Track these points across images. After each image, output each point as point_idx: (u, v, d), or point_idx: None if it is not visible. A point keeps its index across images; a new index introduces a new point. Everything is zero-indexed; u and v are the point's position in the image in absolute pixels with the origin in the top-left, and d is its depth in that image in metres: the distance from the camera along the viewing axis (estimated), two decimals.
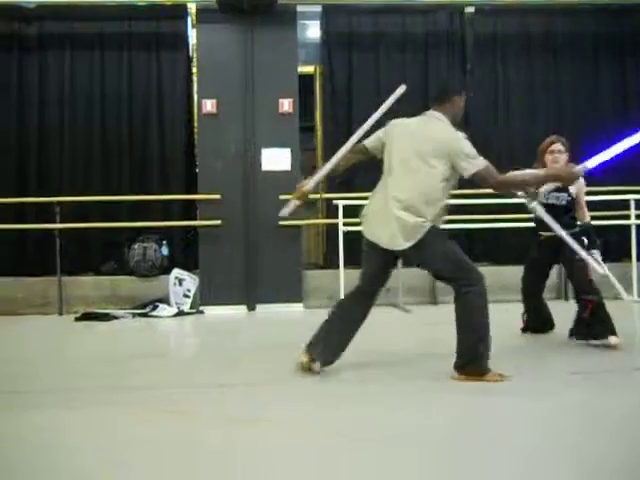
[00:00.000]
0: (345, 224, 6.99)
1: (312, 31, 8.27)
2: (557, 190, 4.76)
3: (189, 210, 7.52)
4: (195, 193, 7.37)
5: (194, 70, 7.70)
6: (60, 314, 6.99)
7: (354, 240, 7.40)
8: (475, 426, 3.02)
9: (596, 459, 2.51)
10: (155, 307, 6.84)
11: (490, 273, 7.21)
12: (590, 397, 3.42)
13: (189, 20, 7.69)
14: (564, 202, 4.82)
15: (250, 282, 7.11)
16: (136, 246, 7.20)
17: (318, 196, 7.97)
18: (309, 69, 8.26)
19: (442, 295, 7.25)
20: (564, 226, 4.56)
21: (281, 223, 7.07)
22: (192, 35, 7.71)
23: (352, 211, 7.21)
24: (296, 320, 6.65)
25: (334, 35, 7.87)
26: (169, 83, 7.73)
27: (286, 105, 7.31)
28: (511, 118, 7.93)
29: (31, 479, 2.41)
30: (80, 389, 3.72)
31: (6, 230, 7.15)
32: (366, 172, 7.75)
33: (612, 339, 4.50)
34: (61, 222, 7.05)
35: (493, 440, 2.78)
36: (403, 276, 6.93)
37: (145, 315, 6.77)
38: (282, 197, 7.08)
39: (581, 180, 4.74)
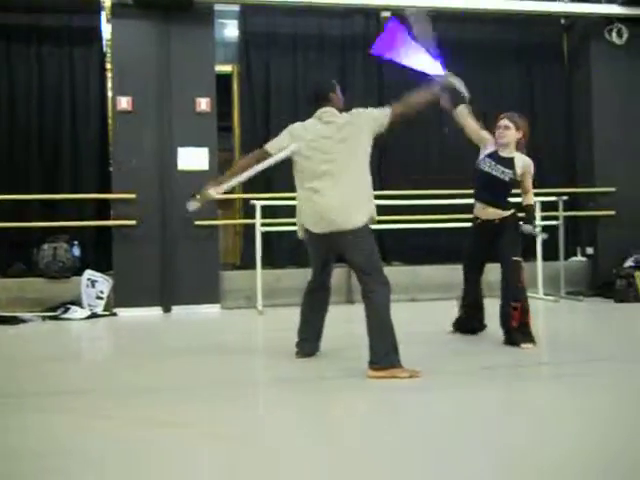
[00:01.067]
0: (263, 224, 6.98)
1: (230, 30, 8.24)
2: (503, 165, 4.65)
3: (103, 210, 7.33)
4: (109, 192, 7.19)
5: (108, 66, 7.51)
6: None
7: (271, 240, 7.47)
8: (384, 422, 3.08)
9: (506, 447, 2.62)
10: (67, 309, 6.63)
11: (407, 273, 7.51)
12: (499, 391, 3.56)
13: (103, 15, 7.50)
14: (507, 178, 4.67)
15: (166, 283, 7.00)
16: (46, 247, 6.95)
17: (236, 196, 7.99)
18: (227, 68, 8.20)
19: (358, 294, 7.36)
20: (497, 204, 4.65)
21: (198, 223, 7.01)
22: (106, 30, 7.52)
23: (270, 211, 7.26)
24: (212, 321, 6.60)
25: (252, 35, 7.86)
26: (82, 79, 7.51)
27: (203, 104, 7.24)
28: (423, 120, 8.10)
29: None
30: (4, 394, 3.59)
31: None
32: (283, 173, 7.88)
33: (527, 345, 4.53)
34: None
35: (402, 434, 2.84)
36: None
37: (56, 318, 6.55)
38: (199, 197, 7.03)
39: (528, 162, 4.73)
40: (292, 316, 6.63)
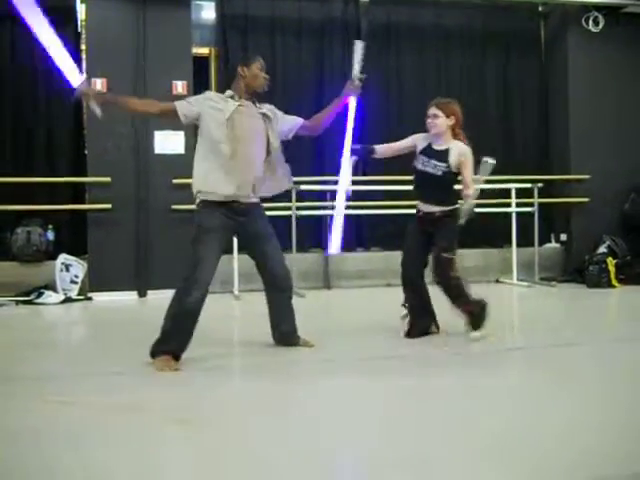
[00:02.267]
0: None
1: (207, 12, 8.14)
2: (437, 158, 4.34)
3: (77, 193, 7.25)
4: (84, 176, 7.11)
5: (83, 47, 7.40)
6: None
7: None
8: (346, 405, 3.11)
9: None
10: (40, 294, 6.57)
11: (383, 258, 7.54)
12: (466, 377, 3.61)
13: None
14: (440, 173, 4.33)
15: (141, 267, 6.96)
16: (19, 230, 6.86)
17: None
18: (204, 51, 8.12)
19: (336, 279, 7.40)
20: (436, 201, 4.34)
21: (174, 207, 6.97)
22: (80, 10, 7.40)
23: None
24: None
25: (230, 17, 7.78)
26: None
27: (180, 87, 7.17)
28: (403, 104, 8.13)
29: None
30: None
31: None
32: None
33: (474, 334, 4.37)
34: None
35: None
36: (296, 261, 7.01)
37: (30, 302, 6.49)
38: (175, 181, 7.00)
39: (463, 151, 4.34)
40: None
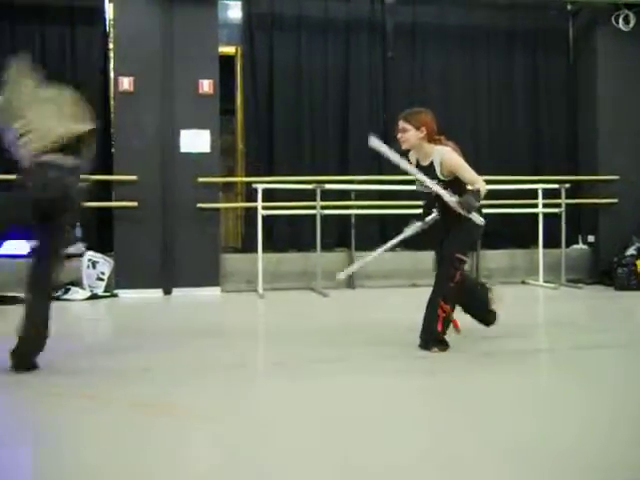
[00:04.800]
0: (264, 208, 6.97)
1: (234, 11, 8.18)
2: (428, 175, 4.02)
3: (104, 191, 7.32)
4: (111, 174, 7.18)
5: (111, 46, 7.47)
6: None
7: (273, 224, 7.47)
8: (374, 406, 3.09)
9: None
10: (67, 290, 6.65)
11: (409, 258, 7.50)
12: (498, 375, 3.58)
13: None
14: (436, 189, 4.03)
15: (167, 265, 7.01)
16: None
17: (237, 180, 7.99)
18: (230, 50, 8.16)
19: (359, 279, 7.38)
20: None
21: (199, 206, 7.01)
22: (109, 10, 7.48)
23: (271, 195, 7.25)
24: (213, 304, 6.62)
25: (256, 16, 7.80)
26: (85, 59, 7.47)
27: (206, 86, 7.20)
28: (428, 105, 8.06)
29: None
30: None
31: None
32: (287, 156, 7.87)
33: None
34: None
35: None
36: (320, 260, 7.01)
37: (57, 299, 6.54)
38: (200, 179, 7.04)
39: (443, 155, 4.00)
40: (292, 300, 6.71)
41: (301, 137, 7.85)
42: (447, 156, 4.00)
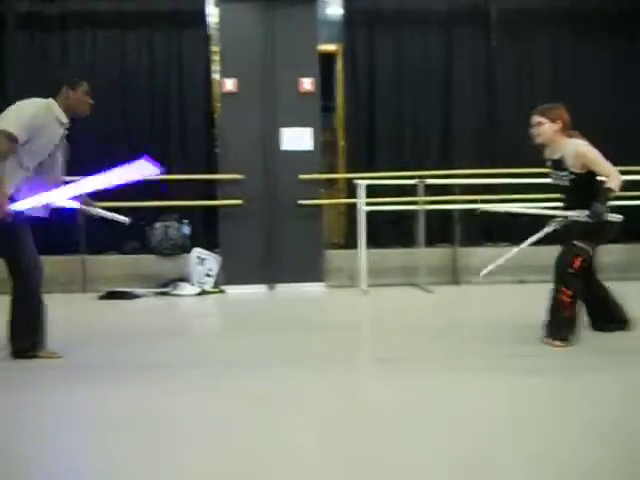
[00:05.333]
0: (366, 204, 6.95)
1: (333, 9, 8.19)
2: (558, 168, 4.11)
3: (210, 190, 7.53)
4: (216, 173, 7.38)
5: (214, 49, 7.68)
6: (84, 292, 7.06)
7: (375, 220, 7.43)
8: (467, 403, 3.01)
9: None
10: (177, 286, 6.89)
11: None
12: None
13: None
14: (567, 182, 4.10)
15: (271, 261, 7.13)
16: (158, 225, 7.24)
17: (339, 176, 8.01)
18: (331, 47, 8.18)
19: (464, 275, 7.23)
20: (575, 209, 4.05)
21: (302, 203, 7.09)
22: (211, 13, 7.68)
23: (373, 190, 7.21)
24: (317, 299, 6.67)
25: (356, 12, 7.81)
26: (189, 62, 7.72)
27: (307, 84, 7.27)
28: (536, 94, 7.81)
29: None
30: (110, 365, 3.77)
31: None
32: (388, 151, 7.82)
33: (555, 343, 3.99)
34: None
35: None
36: (424, 256, 6.92)
37: (167, 294, 6.82)
38: (301, 177, 7.12)
39: (577, 150, 3.99)
40: (396, 296, 6.66)
41: (403, 132, 7.79)
42: (584, 149, 4.00)
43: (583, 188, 4.05)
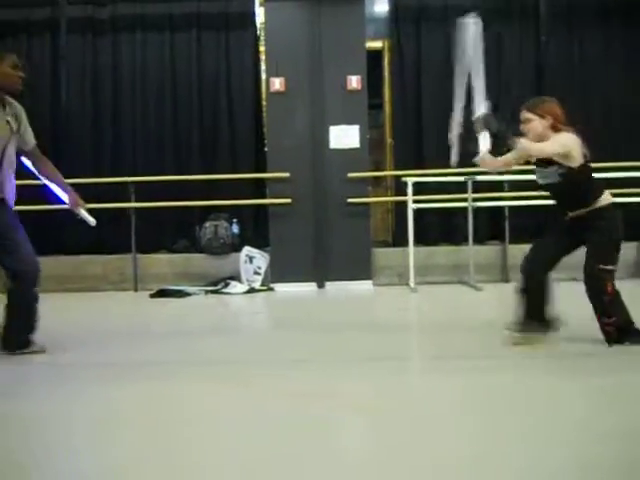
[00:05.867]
0: (414, 201, 6.92)
1: (380, 5, 8.18)
2: (547, 164, 3.79)
3: (259, 188, 7.60)
4: (264, 171, 7.43)
5: (262, 49, 7.73)
6: (135, 290, 7.20)
7: (424, 217, 7.39)
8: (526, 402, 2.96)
9: None
10: (227, 284, 6.97)
11: None
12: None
13: None
14: (558, 179, 3.77)
15: (320, 259, 7.15)
16: (207, 224, 7.33)
17: (386, 173, 7.99)
18: (377, 44, 8.17)
19: (514, 273, 7.13)
20: (578, 206, 3.80)
21: (350, 201, 7.10)
22: (259, 14, 7.74)
23: (421, 188, 7.18)
24: (365, 297, 6.67)
25: (403, 9, 7.77)
26: (237, 62, 7.80)
27: (354, 82, 7.26)
28: (587, 89, 7.67)
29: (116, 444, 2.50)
30: (161, 362, 3.84)
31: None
32: (436, 148, 7.76)
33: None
34: (136, 201, 7.24)
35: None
36: (473, 253, 6.86)
37: (217, 292, 6.90)
38: (350, 175, 7.12)
39: (563, 140, 3.70)
40: (445, 294, 6.61)
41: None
42: (567, 142, 3.69)
43: (576, 185, 3.78)
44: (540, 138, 3.79)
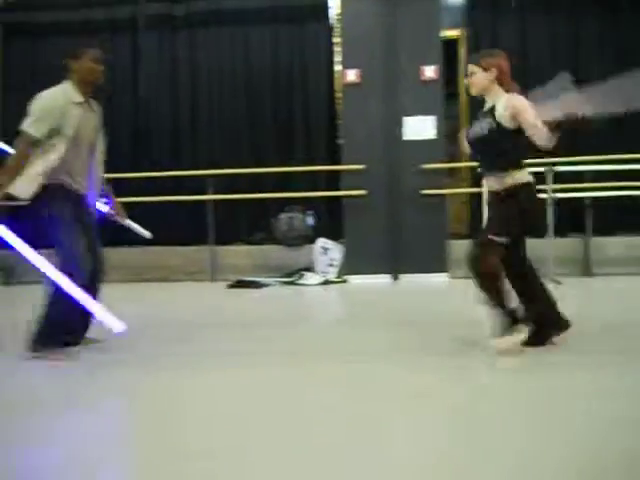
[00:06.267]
0: None
1: None
2: (483, 117, 3.61)
3: (333, 180, 7.61)
4: (339, 164, 7.44)
5: (336, 40, 7.73)
6: (212, 281, 7.34)
7: None
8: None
9: None
10: (302, 275, 7.02)
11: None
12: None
13: None
14: (485, 131, 3.57)
15: (394, 251, 7.11)
16: (282, 216, 7.41)
17: (462, 165, 7.86)
18: (453, 33, 8.03)
19: (597, 267, 6.92)
20: (491, 170, 3.62)
21: (425, 192, 7.02)
22: (333, 5, 7.74)
23: None
24: (441, 290, 6.59)
25: None
26: (312, 54, 7.84)
27: (429, 72, 7.17)
28: None
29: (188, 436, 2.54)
30: (244, 352, 3.89)
31: (163, 202, 7.58)
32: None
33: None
34: (213, 194, 7.38)
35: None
36: (553, 246, 6.67)
37: (292, 283, 6.96)
38: (426, 166, 7.03)
39: (513, 101, 3.49)
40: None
41: None
42: (518, 103, 3.47)
43: (496, 144, 3.55)
44: (484, 91, 3.65)
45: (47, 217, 3.66)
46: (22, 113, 3.61)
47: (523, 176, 3.65)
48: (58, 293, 3.55)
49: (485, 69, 3.60)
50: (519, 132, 3.53)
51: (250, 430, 2.52)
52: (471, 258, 3.67)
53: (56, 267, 3.57)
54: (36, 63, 8.03)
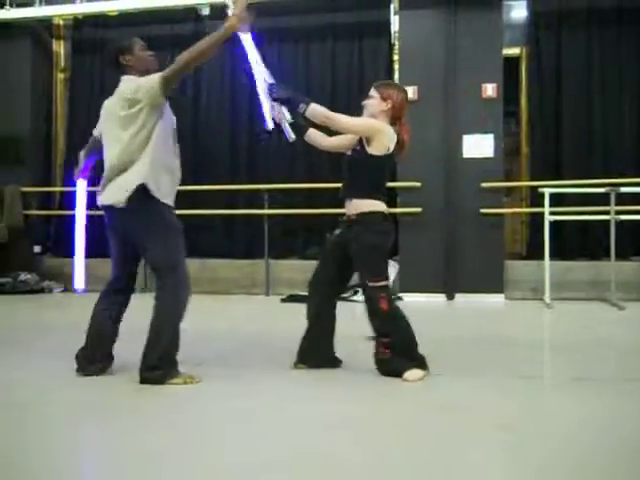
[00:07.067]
0: (552, 213, 6.64)
1: (518, 11, 7.95)
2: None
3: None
4: (395, 180, 7.40)
5: (395, 57, 7.73)
6: (267, 295, 7.38)
7: (561, 230, 7.08)
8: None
9: None
10: (356, 292, 6.98)
11: None
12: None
13: (392, 7, 7.73)
14: (349, 152, 3.77)
15: (450, 270, 7.02)
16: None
17: (522, 184, 7.74)
18: (514, 51, 7.94)
19: None
20: (349, 194, 3.78)
21: (483, 211, 6.93)
22: (394, 22, 7.74)
23: (559, 199, 6.88)
24: (496, 311, 6.46)
25: (543, 14, 7.52)
26: (371, 71, 7.85)
27: (490, 90, 7.10)
28: None
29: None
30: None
31: (219, 215, 7.68)
32: (576, 158, 7.42)
33: (410, 374, 3.52)
34: (269, 208, 7.43)
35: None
36: (615, 270, 6.48)
37: (346, 299, 6.92)
38: (483, 184, 6.94)
39: (378, 126, 3.62)
40: (584, 311, 6.28)
41: (592, 137, 7.36)
42: (381, 129, 3.62)
43: (360, 168, 3.70)
44: (373, 118, 3.70)
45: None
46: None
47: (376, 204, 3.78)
48: None
49: (383, 99, 3.70)
50: (378, 157, 3.65)
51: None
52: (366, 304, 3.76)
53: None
54: (103, 78, 8.28)
